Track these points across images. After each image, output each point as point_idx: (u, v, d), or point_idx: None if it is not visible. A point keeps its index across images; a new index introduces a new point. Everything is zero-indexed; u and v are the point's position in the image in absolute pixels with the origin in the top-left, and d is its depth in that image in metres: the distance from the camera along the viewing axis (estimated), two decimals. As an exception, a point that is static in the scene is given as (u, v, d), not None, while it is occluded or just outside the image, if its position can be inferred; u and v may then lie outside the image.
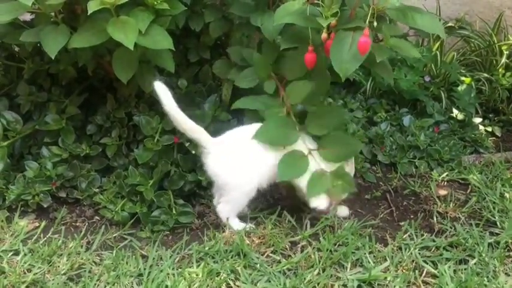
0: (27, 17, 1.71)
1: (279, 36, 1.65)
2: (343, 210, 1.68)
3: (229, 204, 1.60)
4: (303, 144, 1.58)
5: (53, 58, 1.48)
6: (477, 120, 2.30)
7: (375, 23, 1.36)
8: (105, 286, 1.37)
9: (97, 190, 1.73)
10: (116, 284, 1.38)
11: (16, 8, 1.47)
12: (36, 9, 1.50)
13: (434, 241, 1.55)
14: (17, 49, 1.93)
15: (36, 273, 1.41)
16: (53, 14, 1.53)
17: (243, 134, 1.59)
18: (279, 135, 1.55)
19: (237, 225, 1.60)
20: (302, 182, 1.57)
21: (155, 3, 1.51)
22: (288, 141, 1.55)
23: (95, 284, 1.38)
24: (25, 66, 1.86)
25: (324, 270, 1.42)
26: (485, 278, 1.40)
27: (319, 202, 1.59)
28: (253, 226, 1.61)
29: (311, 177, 1.54)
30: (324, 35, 1.44)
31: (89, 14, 1.38)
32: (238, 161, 1.57)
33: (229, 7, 1.76)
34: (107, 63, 1.73)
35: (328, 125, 1.61)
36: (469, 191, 1.85)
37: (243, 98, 1.67)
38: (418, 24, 1.41)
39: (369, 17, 1.34)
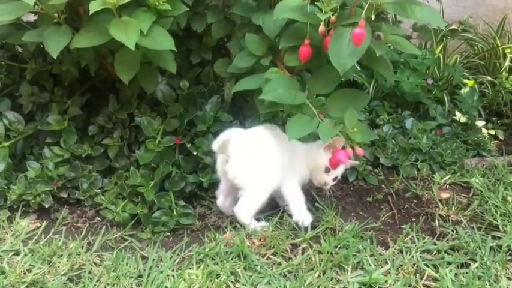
0: (31, 18, 1.72)
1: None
2: (308, 217, 1.63)
3: (250, 202, 1.59)
4: (309, 105, 1.53)
5: (55, 58, 1.48)
6: (480, 123, 2.29)
7: (373, 17, 1.35)
8: (105, 287, 1.37)
9: (98, 191, 1.73)
10: (115, 285, 1.37)
11: (18, 8, 1.47)
12: (38, 9, 1.51)
13: (435, 244, 1.54)
14: (19, 49, 1.94)
15: (36, 274, 1.41)
16: (55, 14, 1.53)
17: (258, 134, 1.62)
18: (286, 94, 1.50)
19: (254, 223, 1.60)
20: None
21: (157, 4, 1.51)
22: (295, 100, 1.50)
23: (95, 285, 1.37)
24: (28, 67, 1.87)
25: (324, 273, 1.42)
26: (486, 282, 1.39)
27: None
28: (266, 224, 1.61)
29: (321, 125, 1.48)
30: (322, 28, 1.43)
31: (90, 14, 1.38)
32: (259, 158, 1.58)
33: (231, 8, 1.76)
34: (109, 64, 1.73)
35: (330, 83, 1.57)
36: (471, 194, 1.84)
37: (241, 80, 1.62)
38: (417, 16, 1.40)
39: (364, 11, 1.34)
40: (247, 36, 1.62)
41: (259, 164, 1.58)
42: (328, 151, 1.58)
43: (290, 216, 1.64)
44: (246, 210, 1.58)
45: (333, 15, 1.40)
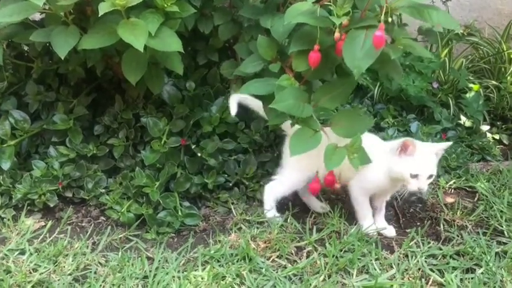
0: (37, 16, 1.71)
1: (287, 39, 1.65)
2: (390, 231, 1.64)
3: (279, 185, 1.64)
4: (315, 119, 1.51)
5: (62, 59, 1.48)
6: (485, 127, 2.29)
7: (390, 19, 1.35)
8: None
9: (103, 191, 1.73)
10: (121, 286, 1.38)
11: (27, 8, 1.47)
12: (46, 9, 1.51)
13: (441, 249, 1.54)
14: (26, 48, 1.94)
15: (42, 273, 1.41)
16: (63, 14, 1.53)
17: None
18: (296, 106, 1.48)
19: (270, 207, 1.65)
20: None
21: (165, 5, 1.51)
22: (303, 113, 1.49)
23: (101, 286, 1.38)
24: (34, 66, 1.87)
25: (329, 277, 1.42)
26: (492, 288, 1.39)
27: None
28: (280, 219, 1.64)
29: (326, 150, 1.46)
30: (337, 34, 1.43)
31: (99, 15, 1.38)
32: None
33: (238, 10, 1.76)
34: (116, 65, 1.73)
35: (339, 97, 1.56)
36: (476, 199, 1.84)
37: (250, 82, 1.60)
38: (434, 21, 1.39)
39: (383, 15, 1.34)
40: (259, 39, 1.61)
41: None
42: (404, 155, 1.49)
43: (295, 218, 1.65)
44: (270, 192, 1.67)
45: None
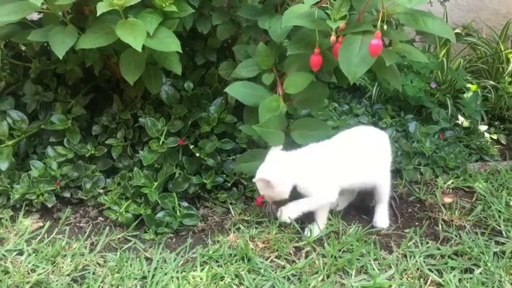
0: (34, 15, 1.71)
1: (285, 39, 1.65)
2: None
3: None
4: None
5: (60, 59, 1.48)
6: (483, 127, 2.30)
7: (385, 27, 1.35)
8: (109, 288, 1.37)
9: (101, 191, 1.73)
10: (119, 287, 1.37)
11: (24, 8, 1.47)
12: (44, 9, 1.50)
13: (439, 249, 1.54)
14: (24, 48, 1.93)
15: (40, 274, 1.41)
16: (61, 14, 1.53)
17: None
18: (273, 134, 1.55)
19: None
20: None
21: (163, 5, 1.51)
22: (276, 141, 1.57)
23: (99, 286, 1.37)
24: (32, 66, 1.87)
25: (328, 277, 1.42)
26: (490, 288, 1.39)
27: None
28: None
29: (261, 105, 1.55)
30: (333, 37, 1.43)
31: (98, 15, 1.38)
32: None
33: (236, 10, 1.76)
34: (114, 64, 1.73)
35: (313, 101, 1.65)
36: (474, 199, 1.84)
37: (238, 84, 1.62)
38: (429, 29, 1.40)
39: (379, 21, 1.34)
40: (259, 46, 1.63)
41: None
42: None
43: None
44: None
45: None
